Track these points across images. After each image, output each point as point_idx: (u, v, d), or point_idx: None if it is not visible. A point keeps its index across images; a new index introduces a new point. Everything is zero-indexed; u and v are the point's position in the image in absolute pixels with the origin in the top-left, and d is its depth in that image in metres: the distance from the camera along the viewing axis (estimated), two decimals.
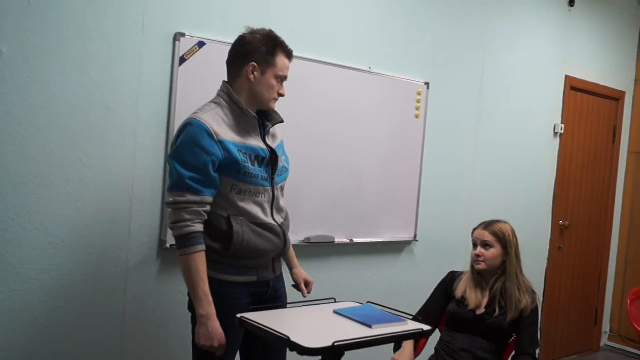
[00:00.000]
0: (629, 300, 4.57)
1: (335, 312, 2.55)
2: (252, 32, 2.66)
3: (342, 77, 3.86)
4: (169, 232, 3.15)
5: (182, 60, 3.18)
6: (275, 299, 2.80)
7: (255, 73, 2.62)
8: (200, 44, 3.23)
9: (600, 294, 6.42)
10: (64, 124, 2.90)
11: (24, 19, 2.76)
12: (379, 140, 4.14)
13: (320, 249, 3.93)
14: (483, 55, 4.82)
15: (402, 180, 4.33)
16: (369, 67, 4.03)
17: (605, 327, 6.55)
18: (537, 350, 3.25)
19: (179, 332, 3.36)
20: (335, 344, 2.07)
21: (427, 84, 4.37)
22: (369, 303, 2.69)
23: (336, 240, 3.95)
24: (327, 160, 3.84)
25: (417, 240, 4.50)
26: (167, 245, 3.22)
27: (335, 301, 2.72)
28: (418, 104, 4.33)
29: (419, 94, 4.32)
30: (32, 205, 2.85)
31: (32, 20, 2.78)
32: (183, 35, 3.18)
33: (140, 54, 3.09)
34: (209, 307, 2.48)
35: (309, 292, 2.99)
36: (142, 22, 3.09)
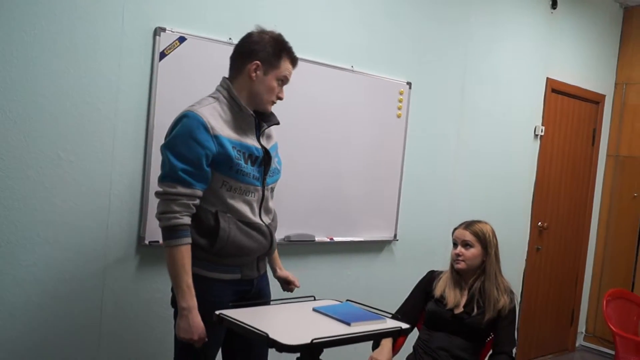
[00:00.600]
0: (605, 302, 4.61)
1: (314, 310, 2.55)
2: (262, 32, 2.66)
3: (324, 76, 3.85)
4: (148, 228, 3.17)
5: (163, 55, 3.16)
6: (259, 298, 2.79)
7: (258, 72, 2.61)
8: (181, 39, 3.21)
9: (577, 295, 6.47)
10: (41, 118, 2.86)
11: (2, 12, 2.72)
12: (361, 139, 4.14)
13: (301, 247, 3.92)
14: (465, 56, 4.84)
15: (383, 179, 4.33)
16: (352, 66, 4.02)
17: (581, 327, 6.60)
18: (514, 350, 3.26)
19: (157, 329, 3.34)
20: (314, 341, 2.08)
21: (409, 83, 4.38)
22: (348, 301, 2.69)
23: (317, 239, 3.94)
24: (309, 159, 3.83)
25: (397, 240, 4.50)
26: (146, 242, 3.20)
27: (314, 299, 2.72)
28: (400, 104, 4.33)
29: (401, 93, 4.32)
30: (8, 200, 2.81)
31: (9, 14, 2.74)
32: (164, 30, 3.15)
33: (120, 49, 3.06)
34: (191, 300, 2.47)
35: (297, 286, 2.99)
36: (122, 16, 3.06)
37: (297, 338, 2.11)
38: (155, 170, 3.15)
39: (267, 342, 2.08)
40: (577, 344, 6.58)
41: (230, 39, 3.34)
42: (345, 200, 4.10)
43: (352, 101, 4.05)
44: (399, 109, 4.33)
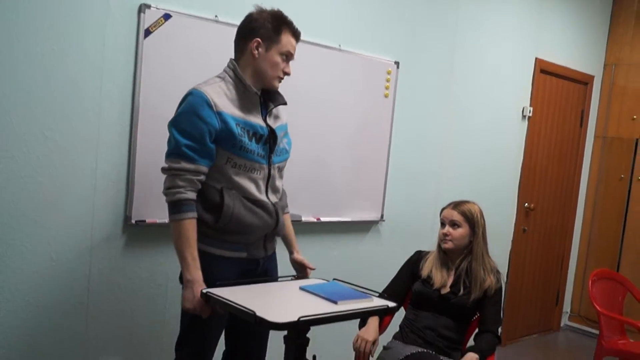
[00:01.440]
0: (590, 282, 4.64)
1: (301, 288, 2.57)
2: (261, 11, 2.69)
3: (310, 55, 3.82)
4: (135, 208, 3.16)
5: (148, 32, 3.12)
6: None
7: (259, 49, 2.64)
8: (167, 16, 3.17)
9: (563, 276, 6.51)
10: (25, 97, 2.83)
11: None
12: (348, 119, 4.13)
13: None
14: (454, 36, 4.82)
15: (370, 160, 4.33)
16: (339, 45, 4.00)
17: (567, 307, 6.66)
18: (500, 329, 3.29)
19: (145, 308, 3.34)
20: (301, 319, 2.09)
21: (397, 63, 4.36)
22: (335, 280, 2.70)
23: (303, 219, 3.94)
24: (294, 138, 3.80)
25: (384, 221, 4.51)
26: (133, 221, 3.19)
27: (294, 278, 2.73)
28: (388, 84, 4.32)
29: (388, 73, 4.31)
30: None
31: None
32: (149, 7, 3.11)
33: (104, 26, 3.03)
34: (195, 273, 2.51)
35: (313, 268, 3.01)
36: None
37: (284, 316, 2.13)
38: (142, 149, 3.16)
39: (254, 320, 2.08)
40: (562, 324, 6.64)
41: (216, 16, 3.31)
42: (332, 181, 4.10)
43: (339, 81, 4.03)
44: (387, 88, 4.32)
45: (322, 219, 4.08)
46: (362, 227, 4.43)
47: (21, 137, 2.84)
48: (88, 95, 3.02)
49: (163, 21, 3.17)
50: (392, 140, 4.44)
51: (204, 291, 2.38)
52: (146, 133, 3.16)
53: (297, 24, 3.49)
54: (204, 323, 2.61)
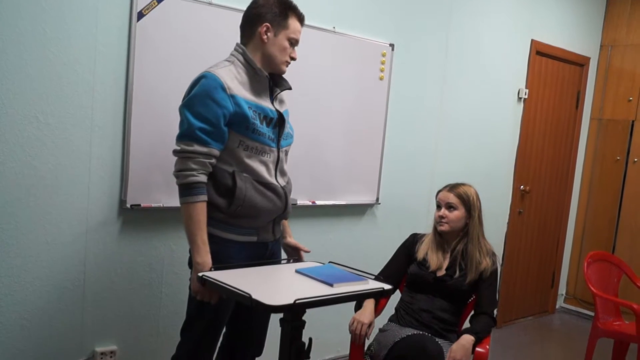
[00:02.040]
0: (586, 263, 4.63)
1: (297, 271, 2.57)
2: None
3: (304, 37, 3.77)
4: (130, 192, 3.15)
5: (141, 15, 3.10)
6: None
7: (268, 34, 2.65)
8: None
9: (558, 258, 6.53)
10: (18, 80, 2.82)
11: None
12: (343, 102, 4.11)
13: None
14: (449, 17, 4.80)
15: (365, 143, 4.32)
16: (334, 27, 3.98)
17: (562, 290, 6.67)
18: (495, 311, 3.30)
19: (140, 292, 3.34)
20: (297, 301, 2.08)
21: (392, 45, 4.34)
22: (330, 263, 2.70)
23: (299, 202, 3.94)
24: (290, 122, 3.79)
25: (379, 204, 4.51)
26: (128, 205, 3.18)
27: (290, 261, 2.74)
28: (382, 66, 4.30)
29: (383, 55, 4.29)
30: None
31: None
32: None
33: (96, 8, 3.01)
34: (206, 256, 2.52)
35: (307, 251, 3.02)
36: None
37: (280, 299, 2.12)
38: (136, 132, 3.14)
39: (250, 302, 2.08)
40: (557, 306, 6.66)
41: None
42: (326, 164, 4.09)
43: (334, 63, 4.02)
44: (382, 71, 4.30)
45: (318, 203, 4.07)
46: (357, 210, 4.43)
47: (14, 121, 2.83)
48: (81, 78, 3.00)
49: (156, 4, 3.14)
50: (387, 123, 4.43)
51: (201, 275, 2.37)
52: (140, 116, 3.14)
53: None
54: (211, 309, 2.61)
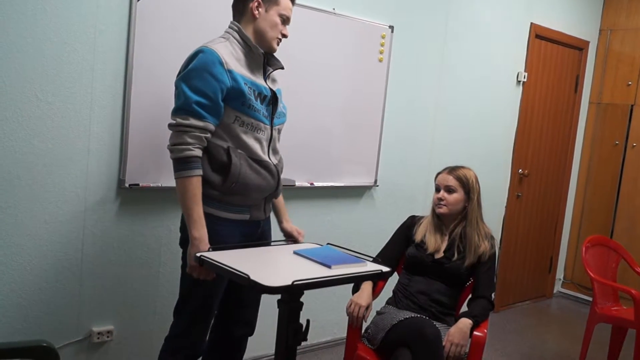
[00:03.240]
0: (584, 248, 4.63)
1: (295, 253, 2.57)
2: None
3: (304, 18, 3.78)
4: (128, 171, 3.15)
5: None
6: (262, 240, 2.85)
7: (260, 9, 2.67)
8: None
9: (556, 243, 6.54)
10: (18, 59, 2.81)
11: None
12: (342, 83, 4.10)
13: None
14: (449, 0, 4.77)
15: (363, 124, 4.31)
16: (333, 9, 3.96)
17: (560, 274, 6.69)
18: (493, 295, 3.30)
19: (138, 272, 3.35)
20: (295, 283, 2.08)
21: (391, 27, 4.32)
22: (329, 245, 2.70)
23: (297, 183, 3.94)
24: (288, 104, 3.78)
25: (377, 186, 4.51)
26: (127, 184, 3.18)
27: (295, 243, 2.73)
28: (382, 48, 4.28)
29: (383, 37, 4.27)
30: None
31: None
32: None
33: None
34: (202, 230, 2.52)
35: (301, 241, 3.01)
36: None
37: (278, 280, 2.12)
38: (136, 111, 3.14)
39: (248, 283, 2.08)
40: (555, 291, 6.68)
41: None
42: (326, 146, 4.09)
43: (333, 45, 4.00)
44: (381, 53, 4.28)
45: (316, 184, 4.07)
46: (356, 192, 4.43)
47: (14, 99, 2.82)
48: (81, 57, 2.99)
49: None
50: (386, 105, 4.42)
51: (198, 255, 2.37)
52: (140, 95, 3.13)
53: None
54: (204, 289, 2.62)
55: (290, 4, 2.74)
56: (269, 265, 2.47)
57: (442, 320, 3.22)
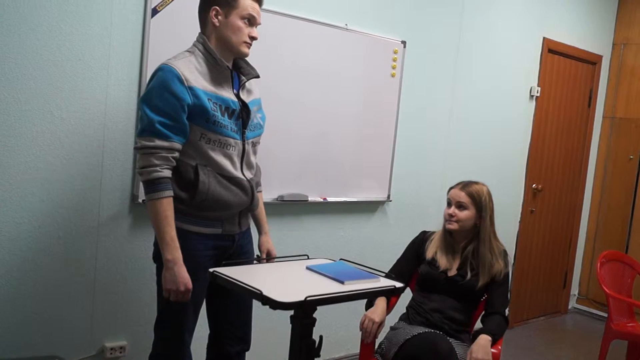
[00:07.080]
0: (599, 264, 4.60)
1: (308, 268, 2.55)
2: None
3: (316, 34, 3.80)
4: (142, 187, 3.15)
5: (155, 12, 3.11)
6: (240, 255, 2.81)
7: (219, 17, 2.59)
8: None
9: (571, 258, 6.50)
10: (33, 76, 2.84)
11: None
12: (354, 99, 4.11)
13: (294, 207, 3.91)
14: (461, 15, 4.78)
15: (376, 140, 4.31)
16: (346, 24, 3.97)
17: (574, 290, 6.64)
18: (507, 310, 3.27)
19: (151, 286, 3.34)
20: (308, 298, 2.07)
21: (404, 42, 4.33)
22: (342, 260, 2.69)
23: (310, 199, 3.93)
24: (301, 118, 3.80)
25: (390, 201, 4.50)
26: (140, 200, 3.19)
27: (307, 258, 2.72)
28: (394, 63, 4.29)
29: (395, 52, 4.28)
30: (1, 157, 2.80)
31: None
32: None
33: (111, 4, 3.02)
34: (176, 252, 2.49)
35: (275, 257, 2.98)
36: None
37: (291, 295, 2.11)
38: None
39: (261, 299, 2.07)
40: (569, 306, 6.63)
41: None
42: (338, 161, 4.09)
43: (345, 60, 4.01)
44: (394, 68, 4.29)
45: (329, 199, 4.07)
46: (368, 207, 4.42)
47: (30, 116, 2.85)
48: (95, 74, 3.02)
49: (170, 0, 3.14)
50: (399, 120, 4.42)
51: (212, 270, 2.36)
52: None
53: (304, 3, 3.48)
54: (181, 304, 2.60)
55: (254, 4, 2.63)
56: (282, 281, 2.45)
57: (455, 337, 3.19)
